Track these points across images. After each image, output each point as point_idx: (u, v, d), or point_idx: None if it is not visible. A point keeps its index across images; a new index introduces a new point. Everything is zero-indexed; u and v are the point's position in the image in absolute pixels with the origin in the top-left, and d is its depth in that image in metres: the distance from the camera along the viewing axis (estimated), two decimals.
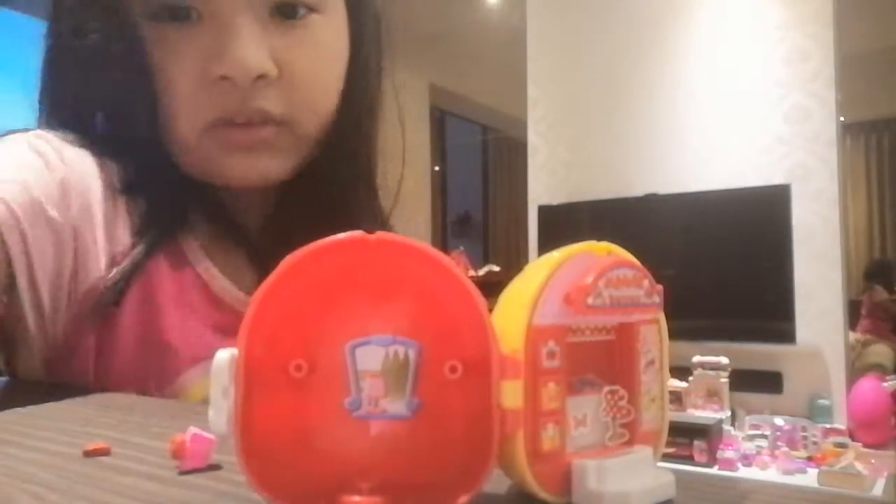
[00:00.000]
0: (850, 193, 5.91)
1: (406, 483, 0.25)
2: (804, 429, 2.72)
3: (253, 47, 0.56)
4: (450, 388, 0.25)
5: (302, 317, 0.25)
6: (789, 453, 2.59)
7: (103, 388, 0.55)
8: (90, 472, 0.31)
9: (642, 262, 0.27)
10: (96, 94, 0.60)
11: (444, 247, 5.47)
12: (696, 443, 2.56)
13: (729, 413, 2.77)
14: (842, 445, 2.60)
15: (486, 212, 6.97)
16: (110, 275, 0.56)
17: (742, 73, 3.10)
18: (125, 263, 0.56)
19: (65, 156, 0.57)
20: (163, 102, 0.57)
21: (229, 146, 0.59)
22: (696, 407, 2.77)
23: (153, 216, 0.59)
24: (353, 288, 0.25)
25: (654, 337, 0.29)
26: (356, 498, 0.23)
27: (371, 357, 0.25)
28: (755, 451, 2.64)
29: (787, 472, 2.51)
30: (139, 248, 0.57)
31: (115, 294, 0.56)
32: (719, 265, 2.99)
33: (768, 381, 2.96)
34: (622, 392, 0.27)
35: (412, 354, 0.25)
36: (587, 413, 0.27)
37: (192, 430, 0.31)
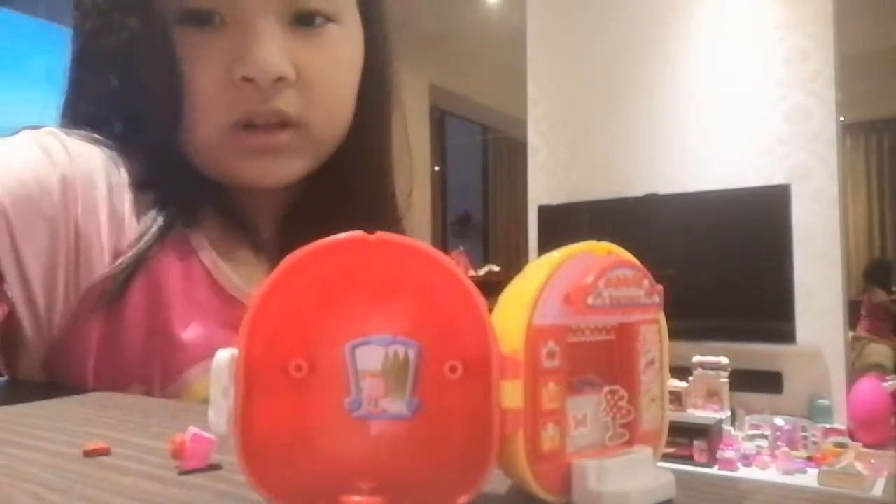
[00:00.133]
0: (850, 193, 5.92)
1: (406, 483, 0.25)
2: (804, 429, 2.72)
3: (274, 50, 0.58)
4: (450, 388, 0.25)
5: (302, 317, 0.25)
6: (789, 453, 2.59)
7: (104, 387, 0.55)
8: (90, 472, 0.31)
9: (642, 262, 0.27)
10: (124, 92, 0.61)
11: (444, 247, 5.47)
12: (696, 443, 2.56)
13: (729, 413, 2.77)
14: (842, 445, 2.60)
15: (486, 212, 6.97)
16: (114, 265, 0.57)
17: (742, 73, 3.10)
18: (130, 254, 0.57)
19: (72, 152, 0.58)
20: (186, 103, 0.59)
21: (247, 149, 0.61)
22: (696, 407, 2.77)
23: (162, 213, 0.60)
24: (353, 288, 0.25)
25: (654, 337, 0.29)
26: (356, 498, 0.23)
27: (371, 357, 0.25)
28: (755, 451, 2.64)
29: (787, 472, 2.51)
30: (145, 240, 0.58)
31: (120, 286, 0.56)
32: (719, 265, 2.99)
33: (768, 381, 2.96)
34: (622, 392, 0.27)
35: (412, 354, 0.25)
36: (587, 413, 0.27)
37: (192, 430, 0.31)
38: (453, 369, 0.25)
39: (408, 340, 0.25)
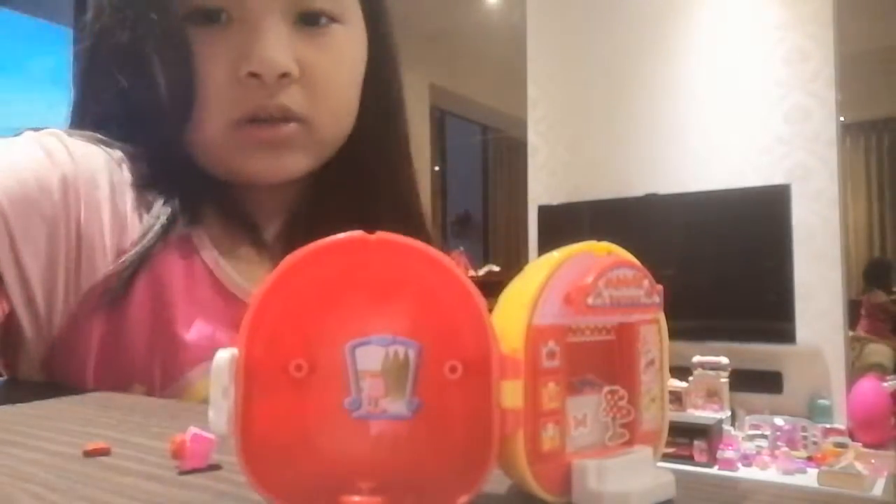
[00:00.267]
0: (850, 193, 5.91)
1: (406, 483, 0.25)
2: (804, 429, 2.72)
3: (279, 47, 0.59)
4: (450, 388, 0.25)
5: (302, 317, 0.25)
6: (789, 453, 2.59)
7: (104, 388, 0.55)
8: (90, 472, 0.31)
9: (642, 262, 0.27)
10: (134, 90, 0.62)
11: (444, 247, 5.46)
12: (696, 443, 2.56)
13: (729, 413, 2.77)
14: (842, 445, 2.60)
15: (486, 212, 6.97)
16: (118, 263, 0.57)
17: (742, 73, 3.10)
18: (133, 252, 0.57)
19: (74, 152, 0.59)
20: (196, 100, 0.60)
21: (252, 143, 0.61)
22: (696, 407, 2.77)
23: (164, 212, 0.60)
24: (353, 288, 0.25)
25: (654, 337, 0.29)
26: (356, 498, 0.23)
27: (371, 357, 0.25)
28: (755, 451, 2.64)
29: (787, 472, 2.51)
30: (148, 238, 0.58)
31: (124, 283, 0.56)
32: (719, 265, 2.99)
33: (768, 381, 2.96)
34: (622, 392, 0.27)
35: (412, 354, 0.25)
36: (587, 413, 0.27)
37: (192, 430, 0.31)
38: (453, 369, 0.25)
39: (408, 340, 0.25)
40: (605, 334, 0.28)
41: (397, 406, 0.25)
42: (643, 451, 0.27)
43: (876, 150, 6.70)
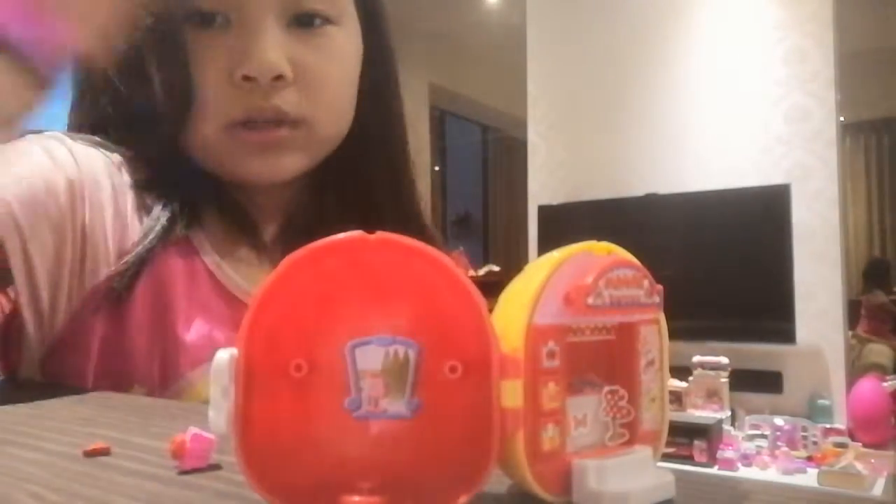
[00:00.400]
0: (850, 193, 5.91)
1: (406, 483, 0.25)
2: (804, 429, 2.72)
3: (274, 50, 0.60)
4: (450, 388, 0.25)
5: (302, 317, 0.25)
6: (789, 453, 2.59)
7: (104, 389, 0.55)
8: (90, 472, 0.31)
9: (642, 262, 0.27)
10: (133, 93, 0.62)
11: (445, 247, 5.45)
12: (696, 443, 2.56)
13: (729, 413, 2.77)
14: (842, 445, 2.60)
15: (486, 212, 6.96)
16: (120, 262, 0.57)
17: (742, 73, 3.10)
18: (133, 253, 0.58)
19: (77, 155, 0.59)
20: (194, 103, 0.60)
21: (247, 145, 0.61)
22: (696, 407, 2.77)
23: (164, 214, 0.61)
24: (353, 288, 0.25)
25: (654, 337, 0.29)
26: (356, 498, 0.23)
27: (371, 357, 0.25)
28: (755, 451, 2.63)
29: (787, 472, 2.51)
30: (149, 238, 0.59)
31: (126, 283, 0.57)
32: (719, 265, 2.99)
33: (768, 381, 2.96)
34: (622, 392, 0.27)
35: (412, 354, 0.25)
36: (587, 413, 0.27)
37: (192, 430, 0.31)
38: (453, 369, 0.25)
39: (408, 340, 0.25)
40: (605, 334, 0.28)
41: (397, 406, 0.25)
42: (643, 451, 0.27)
43: (876, 150, 6.69)
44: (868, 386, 2.82)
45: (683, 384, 2.78)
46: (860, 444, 2.63)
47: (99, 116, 0.65)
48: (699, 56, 3.21)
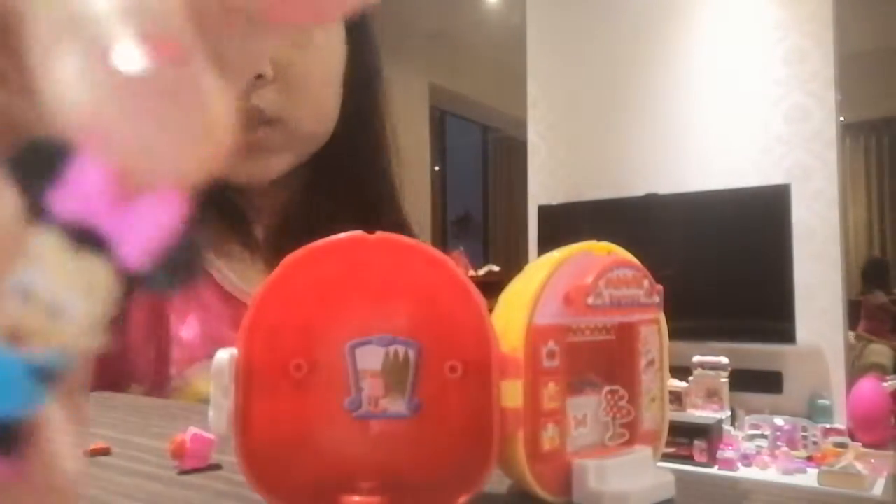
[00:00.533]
0: (850, 193, 5.91)
1: (406, 483, 0.25)
2: (804, 429, 2.72)
3: None
4: (450, 388, 0.25)
5: (302, 317, 0.25)
6: (789, 453, 2.59)
7: (103, 387, 0.55)
8: (90, 472, 0.31)
9: (642, 262, 0.27)
10: None
11: (444, 247, 5.46)
12: (696, 443, 2.56)
13: (729, 413, 2.77)
14: (842, 445, 2.59)
15: (486, 212, 6.96)
16: None
17: (742, 73, 3.10)
18: None
19: None
20: None
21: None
22: (696, 407, 2.77)
23: None
24: (353, 288, 0.25)
25: (654, 337, 0.29)
26: (356, 498, 0.23)
27: (371, 357, 0.25)
28: (755, 451, 2.63)
29: (787, 472, 2.51)
30: None
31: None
32: (719, 265, 2.99)
33: (768, 381, 2.95)
34: (622, 392, 0.27)
35: (412, 354, 0.25)
36: (587, 413, 0.27)
37: (192, 430, 0.31)
38: (453, 369, 0.25)
39: (408, 340, 0.25)
40: (605, 334, 0.28)
41: (397, 406, 0.25)
42: (643, 451, 0.27)
43: (876, 150, 6.69)
44: (868, 386, 2.82)
45: (683, 384, 2.78)
46: (860, 444, 2.63)
47: None
48: (699, 56, 3.21)
